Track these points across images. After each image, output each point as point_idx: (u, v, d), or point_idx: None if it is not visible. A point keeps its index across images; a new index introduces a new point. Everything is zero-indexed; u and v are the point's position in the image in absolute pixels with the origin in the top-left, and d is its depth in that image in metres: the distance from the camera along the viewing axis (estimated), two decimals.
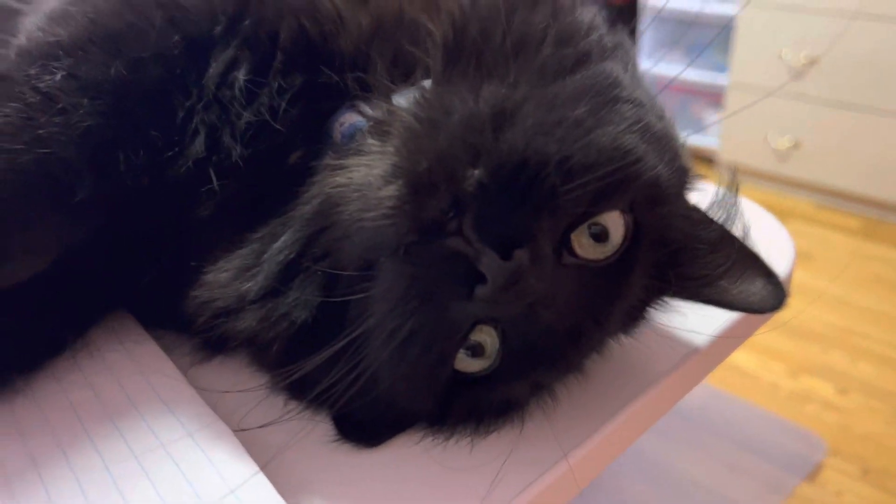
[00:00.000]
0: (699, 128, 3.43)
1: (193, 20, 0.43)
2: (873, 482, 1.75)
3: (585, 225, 0.37)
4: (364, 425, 0.41)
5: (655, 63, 3.58)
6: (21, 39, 0.45)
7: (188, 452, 0.37)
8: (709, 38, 3.45)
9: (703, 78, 3.33)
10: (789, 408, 1.97)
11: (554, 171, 0.34)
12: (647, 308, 0.45)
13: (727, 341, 0.51)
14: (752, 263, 0.44)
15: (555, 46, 0.40)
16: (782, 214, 3.09)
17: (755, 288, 0.44)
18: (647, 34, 3.55)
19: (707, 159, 3.37)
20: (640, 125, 0.38)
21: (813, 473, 1.78)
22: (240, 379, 0.45)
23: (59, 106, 0.39)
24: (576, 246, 0.38)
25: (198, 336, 0.44)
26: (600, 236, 0.38)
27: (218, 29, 0.43)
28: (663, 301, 0.45)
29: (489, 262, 0.34)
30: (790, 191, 3.11)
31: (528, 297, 0.36)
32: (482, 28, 0.40)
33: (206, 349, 0.46)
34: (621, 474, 1.70)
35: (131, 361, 0.44)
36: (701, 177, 0.45)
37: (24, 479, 0.36)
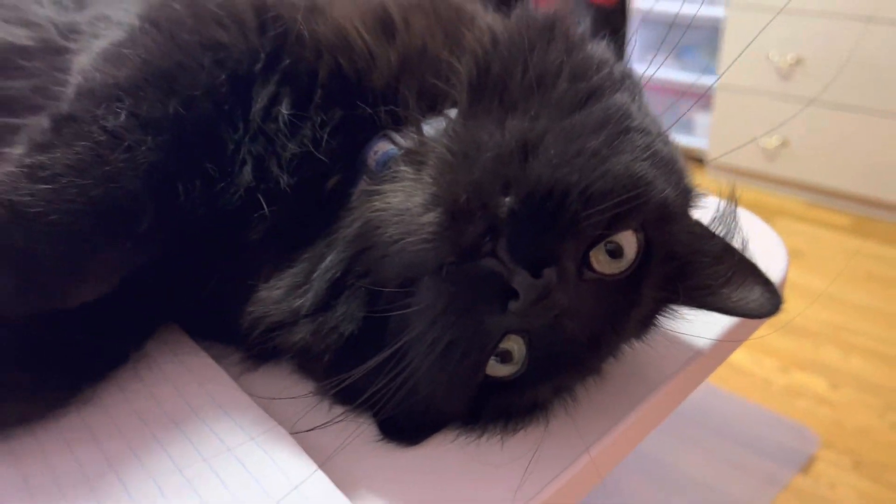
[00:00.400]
0: (688, 128, 3.48)
1: (236, 58, 0.48)
2: (866, 474, 1.80)
3: (602, 243, 0.42)
4: (405, 426, 0.45)
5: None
6: (78, 79, 0.49)
7: (252, 454, 0.41)
8: (697, 40, 3.50)
9: (692, 80, 3.39)
10: (782, 403, 2.02)
11: (576, 198, 0.38)
12: (658, 315, 0.50)
13: (727, 344, 0.56)
14: (750, 273, 0.49)
15: (570, 81, 0.44)
16: (772, 213, 3.13)
17: (754, 295, 0.48)
18: (636, 37, 3.59)
19: (697, 160, 3.42)
20: (649, 152, 0.42)
21: (807, 466, 1.82)
22: (284, 385, 0.49)
23: (126, 144, 0.43)
24: (594, 262, 0.42)
25: (252, 348, 0.48)
26: (615, 253, 0.42)
27: (258, 66, 0.47)
28: (671, 309, 0.50)
29: (521, 280, 0.38)
30: (780, 189, 3.16)
31: (555, 310, 0.40)
32: (503, 66, 0.45)
33: (253, 359, 0.50)
34: (620, 471, 1.74)
35: (187, 371, 0.48)
36: (704, 194, 0.50)
37: (103, 479, 0.40)
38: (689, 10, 3.37)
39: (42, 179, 0.40)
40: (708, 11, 3.32)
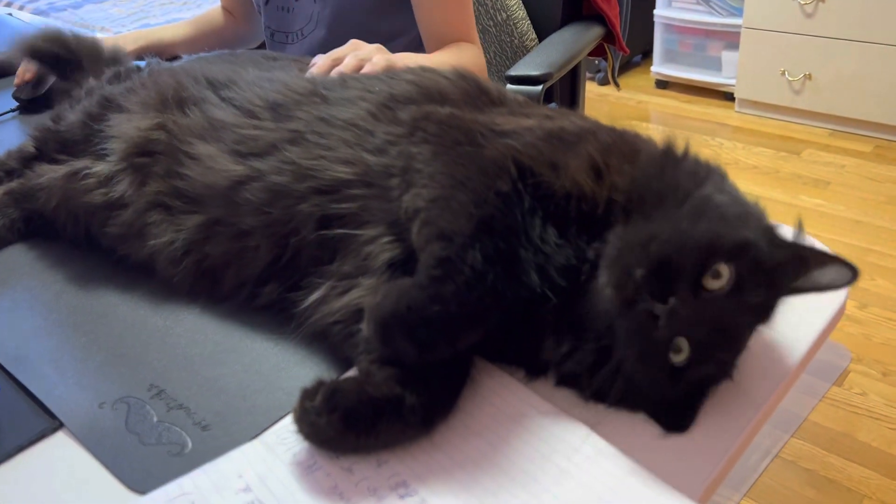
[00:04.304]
0: (717, 67, 3.64)
1: (515, 201, 0.67)
2: (892, 382, 2.01)
3: (708, 273, 0.63)
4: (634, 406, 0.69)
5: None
6: (421, 217, 0.66)
7: (558, 423, 0.66)
8: None
9: (719, 20, 3.54)
10: None
11: (675, 258, 0.62)
12: (775, 306, 0.70)
13: (806, 362, 0.82)
14: (827, 258, 0.68)
15: (674, 192, 0.67)
16: (799, 144, 3.22)
17: (832, 272, 0.68)
18: None
19: (727, 95, 3.58)
20: (722, 219, 0.65)
21: (841, 378, 2.05)
22: (553, 391, 0.70)
23: (484, 276, 0.62)
24: (706, 284, 0.64)
25: (532, 369, 0.71)
26: (717, 275, 0.64)
27: (526, 205, 0.68)
28: (783, 299, 0.70)
29: (658, 307, 0.62)
30: (805, 120, 3.34)
31: (685, 320, 0.63)
32: (639, 195, 0.67)
33: (531, 375, 0.73)
34: None
35: (503, 387, 0.69)
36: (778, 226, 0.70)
37: (486, 470, 0.62)
38: None
39: (439, 302, 0.62)
40: None
